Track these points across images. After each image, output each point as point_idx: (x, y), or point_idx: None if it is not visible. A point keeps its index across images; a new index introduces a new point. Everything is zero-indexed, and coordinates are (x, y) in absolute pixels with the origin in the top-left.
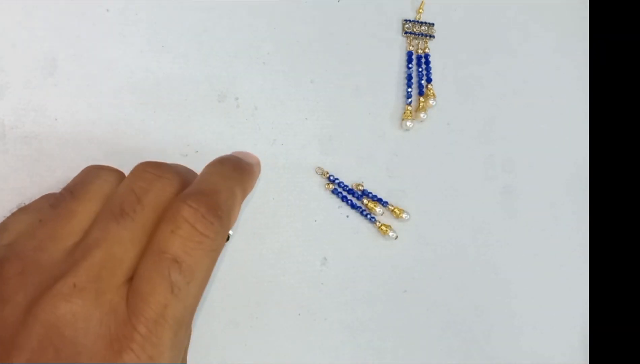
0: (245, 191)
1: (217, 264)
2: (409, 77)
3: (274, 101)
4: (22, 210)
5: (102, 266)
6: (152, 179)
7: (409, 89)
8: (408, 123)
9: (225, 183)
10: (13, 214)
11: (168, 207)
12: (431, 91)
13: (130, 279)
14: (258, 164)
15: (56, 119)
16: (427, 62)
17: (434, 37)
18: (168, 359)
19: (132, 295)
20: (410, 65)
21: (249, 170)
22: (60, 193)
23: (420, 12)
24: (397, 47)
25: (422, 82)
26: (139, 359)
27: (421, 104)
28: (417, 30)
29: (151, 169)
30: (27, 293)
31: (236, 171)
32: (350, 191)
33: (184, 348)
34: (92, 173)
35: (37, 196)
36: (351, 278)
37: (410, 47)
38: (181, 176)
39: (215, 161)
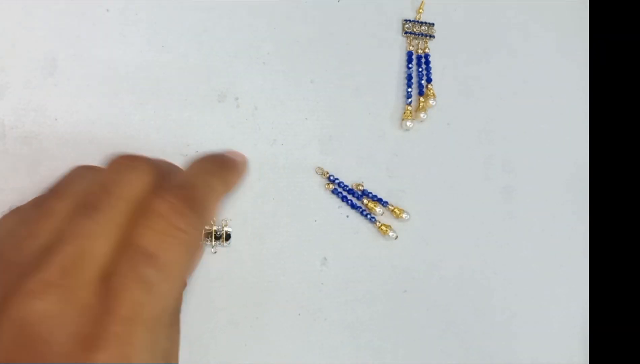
0: (227, 185)
1: (216, 264)
2: (409, 77)
3: (274, 101)
4: (11, 212)
5: (72, 261)
6: (123, 171)
7: (409, 89)
8: (408, 123)
9: (203, 177)
10: (3, 216)
11: (143, 201)
12: (431, 91)
13: (106, 276)
14: (244, 161)
15: (56, 119)
16: (427, 62)
17: (434, 37)
18: (147, 359)
19: (106, 292)
20: (410, 65)
21: (231, 165)
22: (44, 193)
23: (420, 12)
24: (397, 47)
25: (422, 82)
26: (113, 358)
27: (421, 104)
28: (417, 30)
29: (124, 161)
30: (2, 292)
31: (216, 165)
32: (350, 191)
33: (167, 348)
34: (77, 173)
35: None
36: (351, 278)
37: (410, 47)
38: (155, 167)
39: (198, 157)
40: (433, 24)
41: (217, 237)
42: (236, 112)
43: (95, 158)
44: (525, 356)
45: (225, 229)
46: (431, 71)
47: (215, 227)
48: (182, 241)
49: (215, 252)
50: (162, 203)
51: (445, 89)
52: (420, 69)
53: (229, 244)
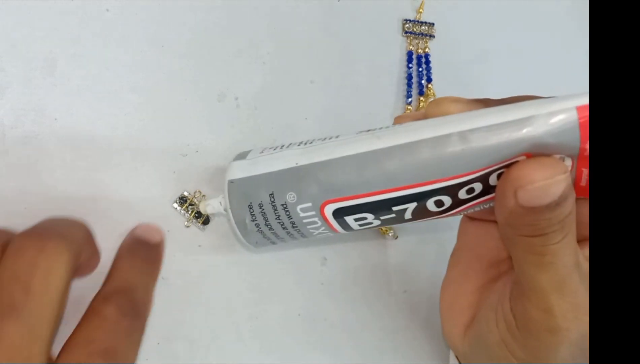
0: (155, 280)
1: (216, 264)
2: (409, 77)
3: (274, 101)
4: None
5: None
6: (35, 256)
7: (409, 89)
8: None
9: (141, 280)
10: None
11: (94, 303)
12: (431, 91)
13: None
14: (163, 240)
15: (56, 119)
16: (427, 62)
17: (434, 37)
18: None
19: None
20: (410, 65)
21: (158, 258)
22: None
23: (420, 12)
24: (397, 47)
25: (422, 82)
26: None
27: (421, 104)
28: (417, 30)
29: (31, 242)
30: None
31: (148, 264)
32: None
33: None
34: None
35: (37, 196)
36: (351, 278)
37: (410, 47)
38: (68, 241)
39: (127, 250)
40: (433, 24)
41: (197, 216)
42: (236, 112)
43: (95, 158)
44: None
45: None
46: (431, 71)
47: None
48: (134, 339)
49: (188, 227)
50: (113, 309)
51: (445, 89)
52: (420, 69)
53: (204, 228)
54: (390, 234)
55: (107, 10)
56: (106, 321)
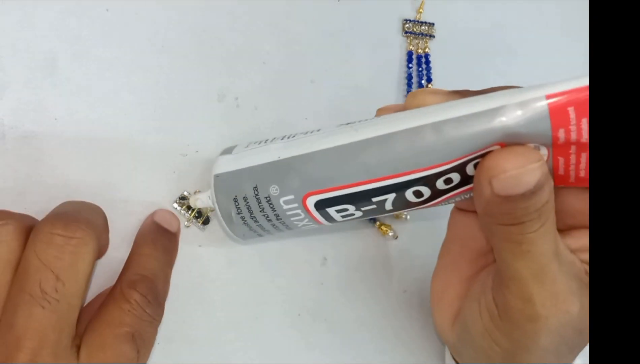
0: (171, 270)
1: (216, 264)
2: (409, 77)
3: (274, 101)
4: None
5: (37, 354)
6: (63, 245)
7: (409, 89)
8: None
9: (161, 269)
10: None
11: (118, 287)
12: None
13: (77, 346)
14: (179, 229)
15: (56, 119)
16: (427, 62)
17: (434, 37)
18: None
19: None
20: (410, 65)
21: (175, 248)
22: None
23: (420, 12)
24: (397, 47)
25: (422, 82)
26: None
27: None
28: (417, 30)
29: (59, 231)
30: None
31: (167, 254)
32: None
33: None
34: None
35: (37, 196)
36: (351, 278)
37: (410, 47)
38: (93, 227)
39: (149, 238)
40: (433, 24)
41: (197, 216)
42: (236, 112)
43: (95, 158)
44: None
45: (209, 212)
46: (431, 71)
47: (200, 205)
48: (154, 326)
49: (188, 227)
50: (139, 296)
51: (446, 88)
52: (420, 69)
53: (204, 228)
54: (390, 234)
55: (107, 10)
56: (134, 307)
